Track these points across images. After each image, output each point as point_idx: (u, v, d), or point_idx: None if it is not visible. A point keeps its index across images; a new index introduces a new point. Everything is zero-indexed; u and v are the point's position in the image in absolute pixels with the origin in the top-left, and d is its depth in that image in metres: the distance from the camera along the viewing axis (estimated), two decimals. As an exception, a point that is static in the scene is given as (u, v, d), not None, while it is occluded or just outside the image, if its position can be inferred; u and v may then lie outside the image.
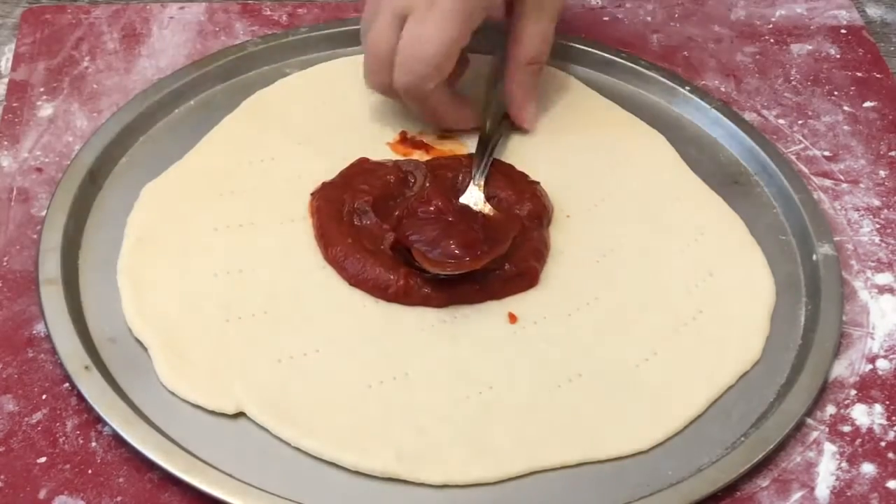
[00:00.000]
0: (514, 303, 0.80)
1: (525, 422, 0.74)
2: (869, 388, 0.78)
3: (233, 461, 0.70)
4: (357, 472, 0.70)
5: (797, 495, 0.72)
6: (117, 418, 0.70)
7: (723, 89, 0.99)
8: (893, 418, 0.76)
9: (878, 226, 0.89)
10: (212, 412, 0.73)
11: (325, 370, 0.75)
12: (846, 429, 0.75)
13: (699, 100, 0.96)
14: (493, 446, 0.72)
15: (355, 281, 0.80)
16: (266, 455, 0.71)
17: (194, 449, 0.70)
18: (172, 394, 0.73)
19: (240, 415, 0.73)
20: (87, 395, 0.72)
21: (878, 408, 0.77)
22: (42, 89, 0.93)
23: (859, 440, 0.75)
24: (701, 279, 0.83)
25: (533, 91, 0.91)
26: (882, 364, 0.79)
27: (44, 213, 0.83)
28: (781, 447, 0.73)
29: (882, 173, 0.93)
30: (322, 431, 0.71)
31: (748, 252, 0.85)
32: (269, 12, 1.02)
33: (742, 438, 0.73)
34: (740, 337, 0.80)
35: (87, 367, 0.73)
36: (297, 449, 0.71)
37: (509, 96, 0.90)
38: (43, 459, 0.70)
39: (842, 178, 0.92)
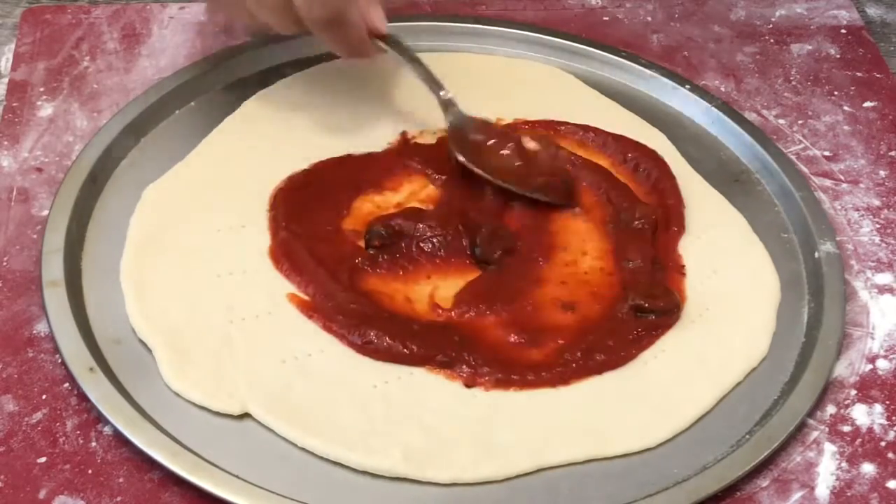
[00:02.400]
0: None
1: (532, 419, 0.73)
2: (869, 388, 0.78)
3: (238, 462, 0.70)
4: (364, 472, 0.70)
5: (797, 495, 0.72)
6: (123, 420, 0.70)
7: (723, 89, 0.99)
8: (893, 418, 0.76)
9: (878, 226, 0.89)
10: (217, 413, 0.72)
11: (330, 370, 0.75)
12: (846, 429, 0.75)
13: (699, 98, 0.96)
14: (500, 444, 0.72)
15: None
16: (272, 455, 0.71)
17: (199, 450, 0.70)
18: (177, 395, 0.73)
19: (245, 416, 0.73)
20: (91, 398, 0.71)
21: (878, 408, 0.77)
22: (42, 89, 0.93)
23: (859, 440, 0.75)
24: (706, 277, 0.83)
25: None
26: (882, 364, 0.79)
27: (44, 213, 0.83)
28: (782, 447, 0.73)
29: (882, 173, 0.93)
30: (328, 431, 0.71)
31: (751, 250, 0.86)
32: (269, 12, 1.02)
33: (747, 437, 0.74)
34: (747, 334, 0.80)
35: (91, 369, 0.73)
36: (303, 449, 0.71)
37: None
38: (43, 459, 0.70)
39: (842, 178, 0.92)
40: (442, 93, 0.88)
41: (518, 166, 0.87)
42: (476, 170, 0.86)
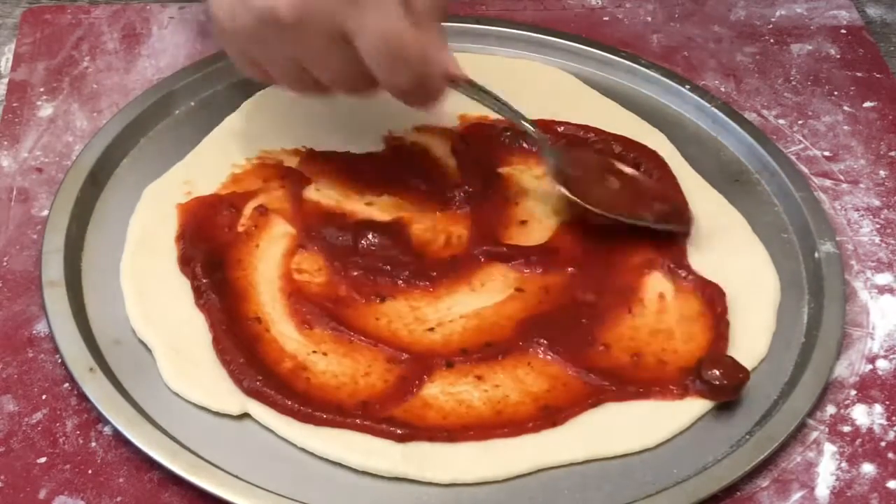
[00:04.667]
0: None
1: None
2: (869, 388, 0.78)
3: (238, 462, 0.70)
4: (364, 472, 0.70)
5: (797, 495, 0.72)
6: (123, 420, 0.70)
7: (723, 89, 0.99)
8: (893, 418, 0.76)
9: (878, 226, 0.89)
10: (216, 413, 0.72)
11: (330, 369, 0.75)
12: (846, 429, 0.75)
13: (699, 98, 0.96)
14: (500, 444, 0.72)
15: None
16: (272, 456, 0.71)
17: (199, 450, 0.70)
18: (177, 395, 0.73)
19: (245, 416, 0.73)
20: (92, 398, 0.71)
21: (878, 408, 0.77)
22: (42, 89, 0.93)
23: (859, 440, 0.75)
24: (706, 277, 0.83)
25: None
26: (882, 364, 0.79)
27: (44, 214, 0.83)
28: (782, 447, 0.73)
29: (882, 173, 0.93)
30: (328, 431, 0.71)
31: (751, 249, 0.85)
32: (268, 12, 1.02)
33: (747, 437, 0.73)
34: (747, 334, 0.79)
35: (91, 370, 0.73)
36: (303, 449, 0.71)
37: None
38: (43, 459, 0.70)
39: (842, 178, 0.92)
40: (534, 132, 0.85)
41: (625, 195, 0.84)
42: (593, 209, 0.82)
